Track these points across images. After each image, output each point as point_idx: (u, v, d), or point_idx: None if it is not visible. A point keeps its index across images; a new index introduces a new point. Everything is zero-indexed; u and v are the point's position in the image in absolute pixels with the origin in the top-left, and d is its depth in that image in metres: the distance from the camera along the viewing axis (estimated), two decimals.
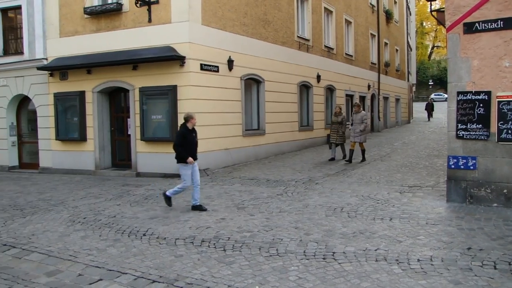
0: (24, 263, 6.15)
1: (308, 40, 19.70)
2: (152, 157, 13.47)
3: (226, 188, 10.88)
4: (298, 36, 18.90)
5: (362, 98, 26.86)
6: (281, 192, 10.13)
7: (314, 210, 8.33)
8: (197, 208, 8.71)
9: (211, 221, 7.80)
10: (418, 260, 5.62)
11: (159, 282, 5.27)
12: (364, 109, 28.26)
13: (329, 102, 22.09)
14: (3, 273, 5.75)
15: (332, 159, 14.93)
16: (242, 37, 15.13)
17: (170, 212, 8.65)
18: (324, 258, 5.80)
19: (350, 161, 14.28)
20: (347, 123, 16.79)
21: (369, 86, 27.58)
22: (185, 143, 8.66)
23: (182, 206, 9.11)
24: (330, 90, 22.25)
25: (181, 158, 8.69)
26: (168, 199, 9.02)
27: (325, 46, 21.62)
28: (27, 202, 10.33)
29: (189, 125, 8.80)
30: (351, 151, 14.33)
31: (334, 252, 5.98)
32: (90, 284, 5.32)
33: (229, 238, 6.80)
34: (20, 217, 8.76)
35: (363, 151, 14.56)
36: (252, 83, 16.16)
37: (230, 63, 14.40)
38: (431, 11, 18.46)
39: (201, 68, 13.26)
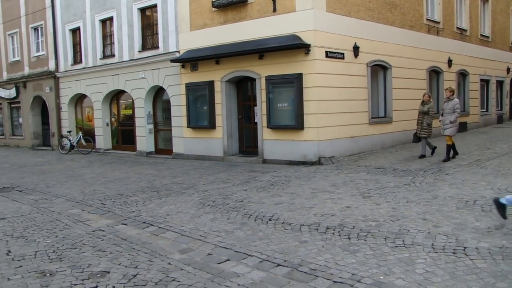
0: (160, 240, 6.65)
1: (438, 22, 18.62)
2: (278, 144, 13.73)
3: (352, 177, 10.75)
4: (427, 19, 17.96)
5: (500, 83, 24.86)
6: (409, 182, 9.78)
7: (443, 202, 7.92)
8: None
9: (336, 209, 7.78)
10: None
11: (283, 266, 5.37)
12: (508, 95, 26.17)
13: (461, 88, 20.74)
14: (144, 248, 6.27)
15: (422, 156, 12.93)
16: (368, 22, 14.74)
17: (295, 198, 8.78)
18: (454, 253, 5.50)
19: (447, 159, 12.15)
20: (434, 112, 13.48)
21: (508, 70, 25.39)
22: None
23: (307, 193, 9.18)
24: (462, 75, 20.87)
25: None
26: (502, 208, 6.40)
27: (457, 28, 20.29)
28: (162, 185, 11.15)
29: None
30: (448, 147, 12.30)
31: (465, 247, 5.64)
32: (219, 263, 5.58)
33: (354, 226, 6.73)
34: (156, 198, 9.49)
35: (451, 146, 12.30)
36: (379, 69, 15.71)
37: (355, 49, 14.13)
38: None
39: (326, 56, 13.18)
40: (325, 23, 13.17)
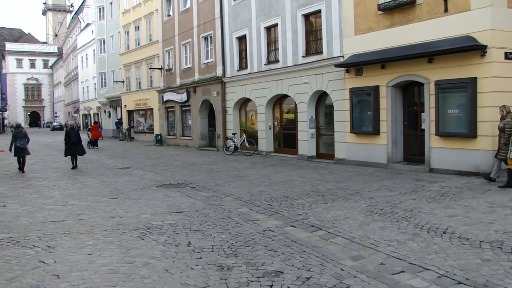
0: (330, 245, 6.63)
1: None
2: (447, 153, 12.95)
3: None
4: None
5: None
6: None
7: None
8: None
9: None
10: None
11: (465, 284, 5.00)
12: None
13: None
14: (315, 251, 6.31)
15: (489, 178, 11.24)
16: None
17: (470, 212, 8.18)
18: None
19: (507, 185, 10.45)
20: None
21: None
22: None
23: (483, 207, 8.50)
24: None
25: None
26: None
27: None
28: (326, 189, 11.19)
29: None
30: (509, 172, 10.52)
31: None
32: (393, 274, 5.38)
33: None
34: (322, 203, 9.54)
35: (509, 172, 10.50)
36: None
37: None
38: None
39: (506, 57, 12.08)
40: (505, 21, 12.09)
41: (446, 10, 12.81)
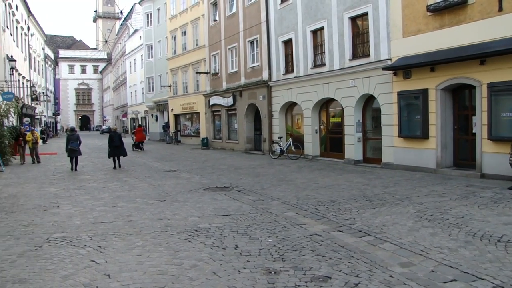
0: (378, 250, 6.51)
1: None
2: (500, 158, 12.45)
3: None
4: None
5: None
6: None
7: None
8: None
9: None
10: None
11: None
12: None
13: None
14: (363, 257, 6.21)
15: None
16: None
17: None
18: None
19: None
20: None
21: None
22: None
23: None
24: None
25: None
26: None
27: None
28: (374, 194, 11.01)
29: None
30: None
31: None
32: (444, 282, 5.23)
33: None
34: (370, 208, 9.39)
35: None
36: None
37: None
38: None
39: None
40: None
41: (500, 9, 12.40)
